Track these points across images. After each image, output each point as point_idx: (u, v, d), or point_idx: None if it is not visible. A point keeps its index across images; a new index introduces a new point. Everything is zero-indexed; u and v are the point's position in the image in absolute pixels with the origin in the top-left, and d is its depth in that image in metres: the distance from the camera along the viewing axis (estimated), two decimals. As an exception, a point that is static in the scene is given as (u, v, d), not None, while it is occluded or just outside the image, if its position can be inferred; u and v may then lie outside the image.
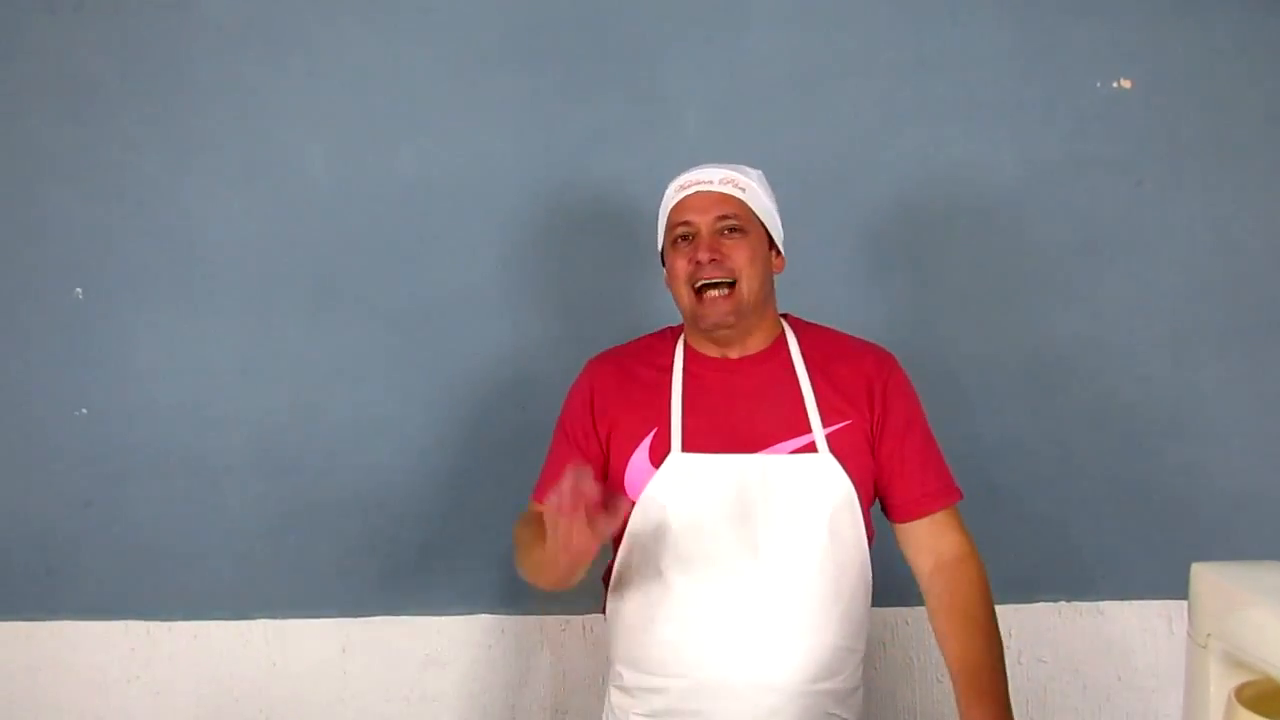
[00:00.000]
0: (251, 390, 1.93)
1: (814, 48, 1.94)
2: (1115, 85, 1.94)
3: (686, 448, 1.41)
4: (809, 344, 1.49)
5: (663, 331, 1.56)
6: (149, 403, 1.93)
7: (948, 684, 1.93)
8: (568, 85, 1.93)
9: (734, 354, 1.47)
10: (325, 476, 1.94)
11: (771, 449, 1.40)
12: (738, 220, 1.43)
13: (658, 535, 1.40)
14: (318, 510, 1.93)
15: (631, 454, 1.42)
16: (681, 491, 1.40)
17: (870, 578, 1.45)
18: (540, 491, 1.49)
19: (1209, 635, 1.08)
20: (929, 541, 1.46)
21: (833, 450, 1.40)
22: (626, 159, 1.92)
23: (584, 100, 1.93)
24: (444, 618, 1.93)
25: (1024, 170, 1.94)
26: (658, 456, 1.41)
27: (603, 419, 1.46)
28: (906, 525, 1.47)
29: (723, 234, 1.42)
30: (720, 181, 1.44)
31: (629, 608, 1.45)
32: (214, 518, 1.93)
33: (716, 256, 1.41)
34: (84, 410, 1.93)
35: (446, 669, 1.94)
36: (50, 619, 1.93)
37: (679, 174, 1.48)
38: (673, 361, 1.48)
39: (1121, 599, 1.94)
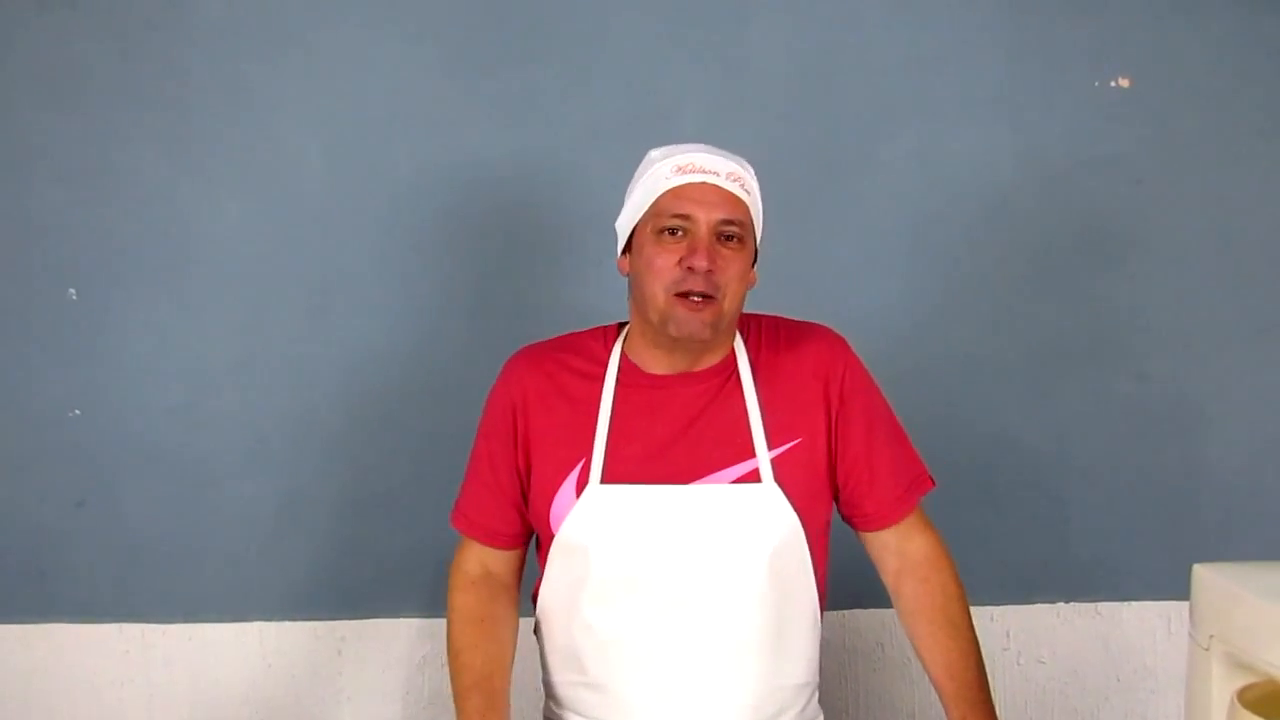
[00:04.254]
0: (246, 390, 1.91)
1: (812, 44, 1.93)
2: (1114, 83, 1.93)
3: (608, 478, 1.27)
4: (754, 343, 1.35)
5: (594, 333, 1.39)
6: (142, 403, 1.91)
7: (945, 684, 1.94)
8: (564, 84, 1.92)
9: (681, 369, 1.32)
10: (320, 477, 1.93)
11: (707, 478, 1.27)
12: (740, 230, 1.27)
13: (578, 574, 1.29)
14: (313, 511, 1.92)
15: (559, 486, 1.29)
16: (601, 527, 1.27)
17: (819, 610, 1.35)
18: (460, 517, 1.40)
19: (1211, 637, 1.08)
20: (895, 545, 1.36)
21: (779, 478, 1.27)
22: (624, 156, 1.90)
23: (581, 98, 1.92)
24: (441, 619, 1.90)
25: (1022, 168, 1.93)
26: (581, 488, 1.28)
27: (524, 446, 1.33)
28: (874, 535, 1.37)
29: (720, 240, 1.26)
30: (729, 177, 1.27)
31: (553, 645, 1.35)
32: (208, 519, 1.92)
33: (713, 267, 1.24)
34: (77, 411, 1.92)
35: (443, 670, 1.90)
36: (43, 622, 1.91)
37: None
38: (605, 372, 1.32)
39: (1120, 600, 1.93)
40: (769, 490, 1.27)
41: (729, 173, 1.27)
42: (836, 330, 1.41)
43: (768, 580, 1.27)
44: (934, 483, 1.39)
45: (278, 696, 1.92)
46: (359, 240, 1.92)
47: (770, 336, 1.37)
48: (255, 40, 1.92)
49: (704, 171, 1.26)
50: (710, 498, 1.27)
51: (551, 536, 1.31)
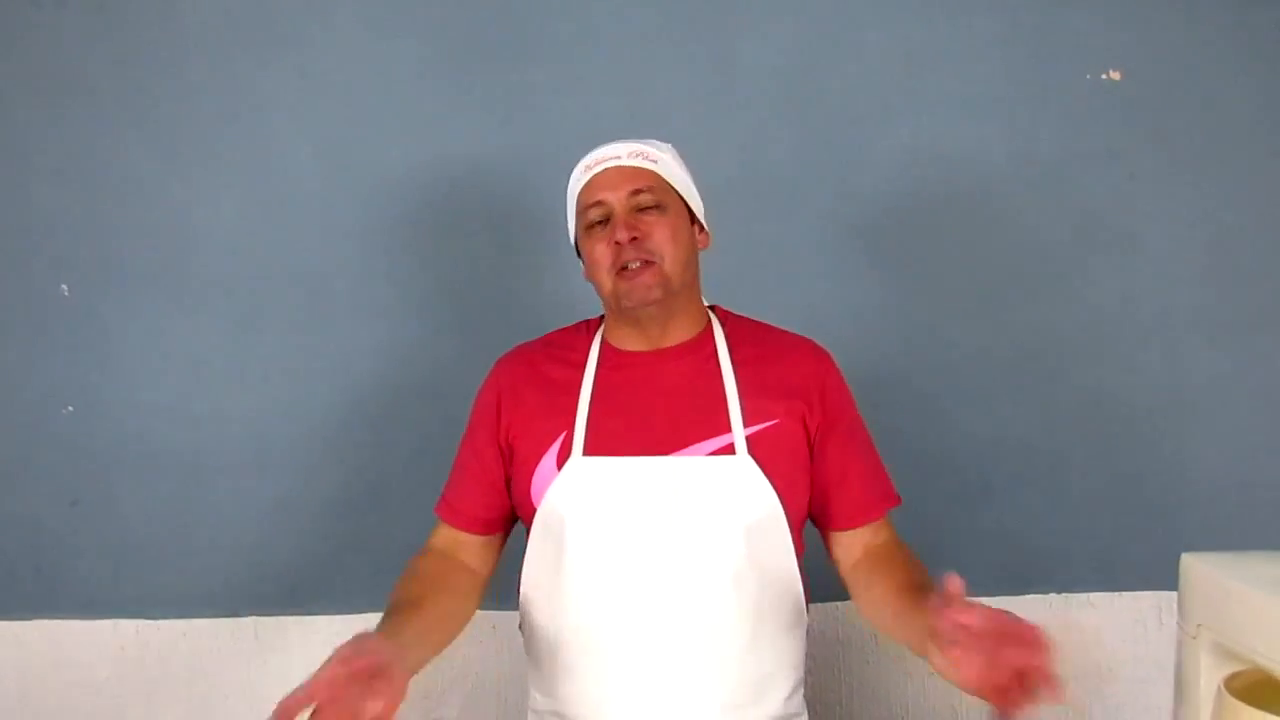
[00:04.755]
0: (240, 387, 1.92)
1: (803, 41, 1.93)
2: (1105, 77, 1.94)
3: (590, 450, 1.30)
4: (737, 336, 1.39)
5: (578, 326, 1.46)
6: (136, 400, 1.92)
7: (941, 679, 1.94)
8: (558, 82, 1.92)
9: (656, 345, 1.37)
10: (314, 473, 1.93)
11: (684, 450, 1.29)
12: (654, 194, 1.32)
13: (557, 546, 1.31)
14: (307, 507, 1.92)
15: (539, 459, 1.32)
16: (581, 498, 1.29)
17: (802, 595, 1.35)
18: (440, 504, 1.41)
19: (1199, 625, 1.09)
20: (862, 542, 1.38)
21: (754, 453, 1.29)
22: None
23: (574, 96, 1.92)
24: (435, 614, 1.92)
25: (1014, 162, 1.94)
26: (562, 461, 1.31)
27: (507, 427, 1.36)
28: (842, 533, 1.38)
29: (639, 211, 1.32)
30: (629, 155, 1.33)
31: (535, 626, 1.36)
32: (203, 515, 1.92)
33: (636, 235, 1.29)
34: (70, 408, 1.92)
35: (439, 665, 1.91)
36: (38, 618, 1.92)
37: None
38: (587, 358, 1.37)
39: (1112, 591, 1.94)
40: (743, 462, 1.29)
41: (630, 151, 1.34)
42: (823, 341, 1.44)
43: (745, 556, 1.28)
44: (900, 500, 1.41)
45: (273, 692, 1.91)
46: (352, 237, 1.93)
47: (754, 333, 1.42)
48: (248, 39, 1.92)
49: (605, 160, 1.34)
50: (687, 469, 1.29)
51: (533, 512, 1.33)
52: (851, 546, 1.39)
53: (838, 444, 1.36)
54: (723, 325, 1.41)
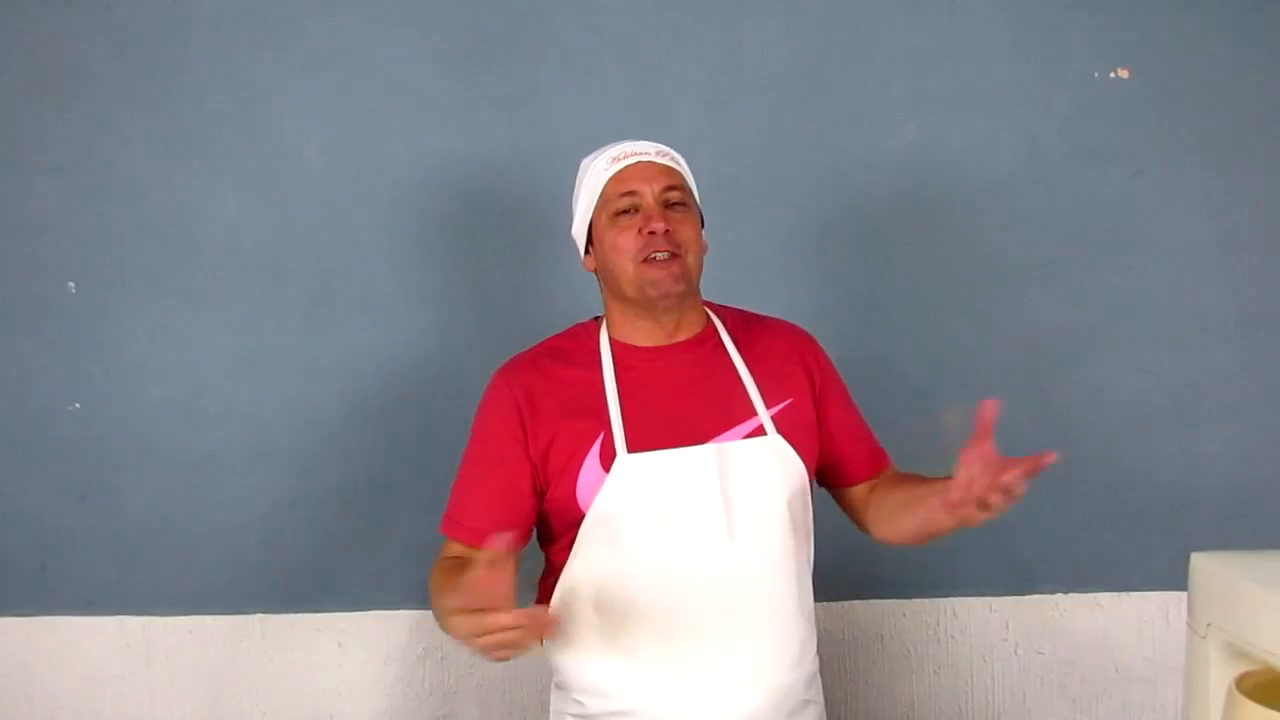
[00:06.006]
0: (246, 384, 1.92)
1: (810, 39, 1.93)
2: (1112, 75, 1.93)
3: (633, 447, 1.32)
4: (732, 325, 1.45)
5: (573, 330, 1.45)
6: (142, 397, 1.92)
7: (946, 675, 1.94)
8: (564, 78, 1.92)
9: (666, 340, 1.40)
10: (320, 470, 1.93)
11: (722, 437, 1.34)
12: (681, 193, 1.38)
13: (615, 544, 1.32)
14: (313, 504, 1.92)
15: (580, 466, 1.32)
16: (637, 494, 1.31)
17: (812, 545, 1.44)
18: (454, 525, 1.36)
19: (1209, 625, 1.09)
20: (869, 486, 1.47)
21: (782, 432, 1.37)
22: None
23: (580, 93, 1.92)
24: (440, 612, 1.93)
25: (1021, 160, 1.93)
26: (607, 461, 1.32)
27: (536, 436, 1.34)
28: (858, 486, 1.47)
29: (670, 206, 1.36)
30: (657, 154, 1.38)
31: (589, 630, 1.34)
32: (209, 512, 1.92)
33: (670, 228, 1.33)
34: (77, 405, 1.92)
35: (444, 662, 1.93)
36: (45, 615, 1.92)
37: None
38: (599, 358, 1.39)
39: (1118, 591, 1.94)
40: (776, 440, 1.36)
41: (658, 150, 1.39)
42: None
43: (790, 527, 1.36)
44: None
45: (278, 689, 1.93)
46: (358, 234, 1.92)
47: (743, 320, 1.48)
48: (254, 35, 1.92)
49: (636, 154, 1.38)
50: (731, 454, 1.34)
51: (579, 515, 1.33)
52: (861, 492, 1.49)
53: (839, 408, 1.46)
54: (717, 316, 1.46)
